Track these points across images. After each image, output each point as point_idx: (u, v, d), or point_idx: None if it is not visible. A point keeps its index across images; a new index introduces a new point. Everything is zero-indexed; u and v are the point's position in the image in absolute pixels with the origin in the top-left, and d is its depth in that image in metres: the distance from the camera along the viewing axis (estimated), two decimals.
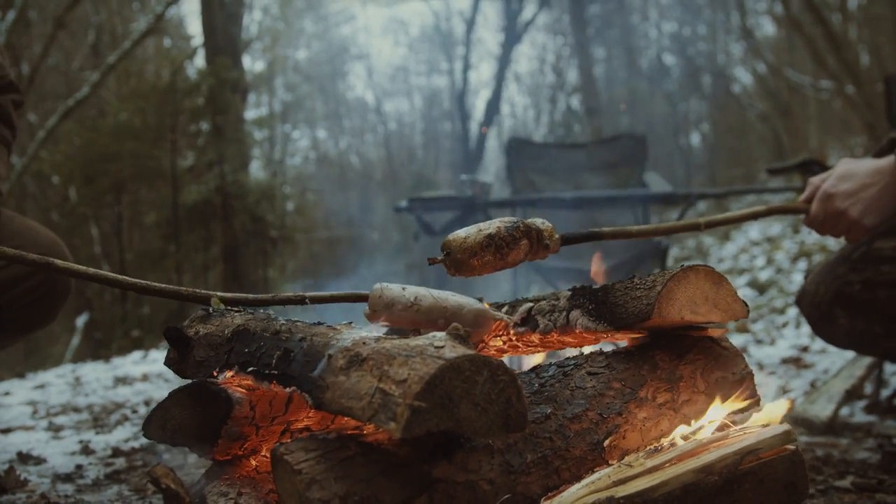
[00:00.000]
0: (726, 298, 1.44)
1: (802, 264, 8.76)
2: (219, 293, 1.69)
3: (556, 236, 1.67)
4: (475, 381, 1.08)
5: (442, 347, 1.11)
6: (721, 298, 1.43)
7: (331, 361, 1.21)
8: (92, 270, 1.71)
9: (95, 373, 6.69)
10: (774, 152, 17.06)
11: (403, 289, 1.56)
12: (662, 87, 23.52)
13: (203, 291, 1.70)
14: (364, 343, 1.20)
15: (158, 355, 8.46)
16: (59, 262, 1.68)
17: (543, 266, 5.02)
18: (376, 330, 1.58)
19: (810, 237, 9.65)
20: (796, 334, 5.98)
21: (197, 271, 14.81)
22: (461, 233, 1.56)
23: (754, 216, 2.13)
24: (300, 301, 1.72)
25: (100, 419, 4.29)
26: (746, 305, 1.46)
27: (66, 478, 2.78)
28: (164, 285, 1.74)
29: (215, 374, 1.45)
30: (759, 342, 5.98)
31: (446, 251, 1.56)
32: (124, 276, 1.72)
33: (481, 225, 1.58)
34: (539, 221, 1.65)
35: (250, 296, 1.74)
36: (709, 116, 22.79)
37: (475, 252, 1.54)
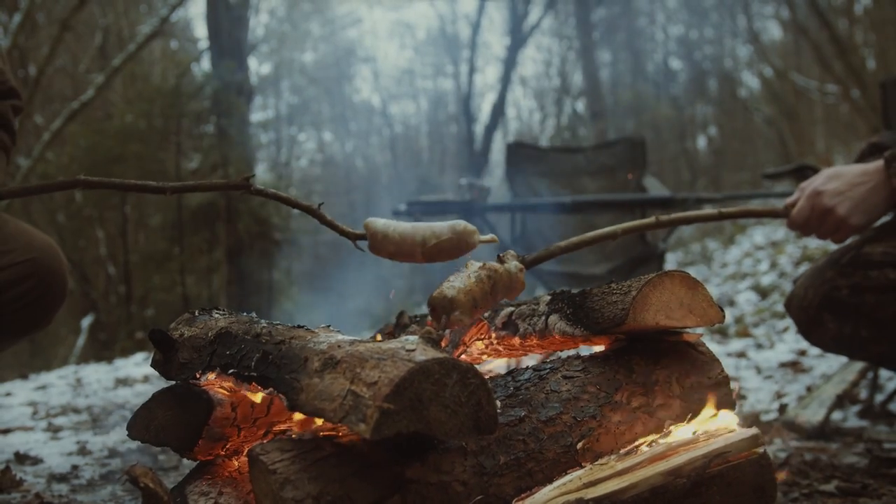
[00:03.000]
0: (702, 304, 1.45)
1: (805, 269, 8.75)
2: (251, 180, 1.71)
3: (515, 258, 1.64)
4: (445, 383, 1.10)
5: (413, 350, 1.13)
6: (696, 304, 1.45)
7: (306, 364, 1.23)
8: (118, 181, 1.73)
9: (97, 374, 6.71)
10: (780, 156, 17.03)
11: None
12: (668, 91, 23.52)
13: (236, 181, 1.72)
14: (339, 346, 1.22)
15: None
16: (87, 177, 1.70)
17: (543, 271, 5.03)
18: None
19: (813, 241, 9.63)
20: (796, 339, 5.97)
21: (201, 273, 14.86)
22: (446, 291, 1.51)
23: (721, 217, 2.12)
24: (313, 213, 1.73)
25: (99, 420, 4.32)
26: (722, 311, 1.48)
27: (62, 478, 2.80)
28: (198, 182, 1.76)
29: (198, 375, 1.47)
30: (759, 346, 5.98)
31: (431, 308, 1.50)
32: (153, 182, 1.73)
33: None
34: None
35: (272, 191, 1.76)
36: (715, 120, 22.77)
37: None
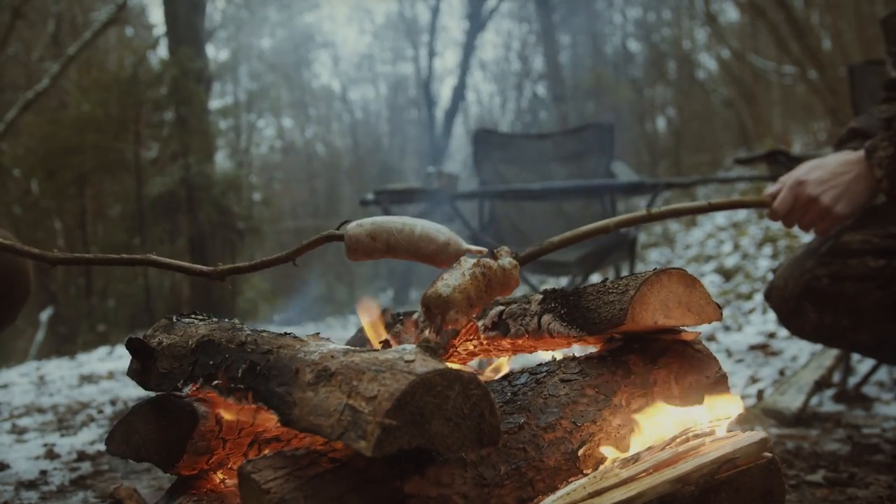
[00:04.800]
0: (699, 301, 1.42)
1: (768, 249, 8.82)
2: (220, 266, 1.61)
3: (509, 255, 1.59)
4: (447, 396, 1.06)
5: (412, 361, 1.08)
6: (694, 301, 1.42)
7: (298, 376, 1.17)
8: (70, 255, 1.62)
9: (60, 370, 6.59)
10: (739, 138, 17.17)
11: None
12: (628, 74, 23.60)
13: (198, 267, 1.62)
14: (332, 357, 1.17)
15: (125, 351, 8.35)
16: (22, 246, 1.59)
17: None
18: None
19: (776, 223, 9.70)
20: (763, 320, 6.02)
21: None
22: (440, 289, 1.45)
23: (711, 209, 2.09)
24: (288, 259, 1.64)
25: (65, 420, 4.22)
26: (720, 308, 1.45)
27: (31, 484, 2.72)
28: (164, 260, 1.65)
29: (179, 386, 1.41)
30: (726, 329, 6.02)
31: (425, 307, 1.46)
32: (107, 255, 1.64)
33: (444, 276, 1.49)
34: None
35: (244, 264, 1.66)
36: (674, 102, 22.86)
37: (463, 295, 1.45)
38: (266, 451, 1.49)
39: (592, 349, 1.55)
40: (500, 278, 1.48)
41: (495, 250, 1.52)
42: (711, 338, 5.50)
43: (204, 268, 1.59)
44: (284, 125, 29.55)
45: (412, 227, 1.55)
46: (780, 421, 3.03)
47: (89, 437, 3.64)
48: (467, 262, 1.45)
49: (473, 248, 1.58)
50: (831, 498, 1.98)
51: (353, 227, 1.56)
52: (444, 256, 1.55)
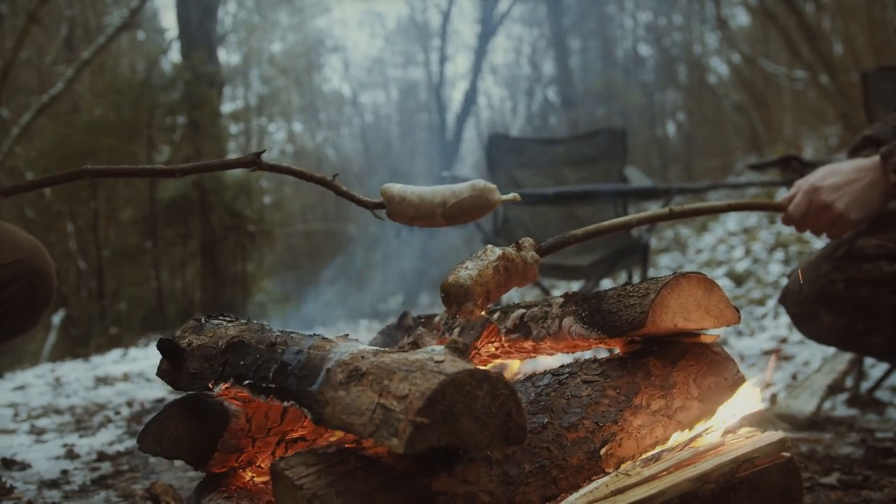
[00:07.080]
0: (718, 305, 1.45)
1: (779, 255, 8.82)
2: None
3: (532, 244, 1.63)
4: (476, 395, 1.09)
5: (442, 362, 1.11)
6: (713, 305, 1.45)
7: (329, 376, 1.21)
8: (126, 167, 1.73)
9: (75, 372, 6.64)
10: (750, 142, 17.15)
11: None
12: (638, 78, 23.58)
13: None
14: (363, 357, 1.20)
15: (138, 353, 8.43)
16: (93, 167, 1.67)
17: None
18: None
19: (787, 228, 9.68)
20: (775, 325, 6.03)
21: (174, 267, 14.74)
22: (461, 275, 1.49)
23: (730, 209, 2.12)
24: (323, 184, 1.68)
25: (83, 421, 4.27)
26: (738, 311, 1.47)
27: (53, 484, 2.76)
28: (207, 161, 1.74)
29: (210, 386, 1.44)
30: (739, 333, 6.03)
31: (444, 293, 1.50)
32: (162, 165, 1.72)
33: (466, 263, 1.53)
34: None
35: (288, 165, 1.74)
36: (684, 107, 22.83)
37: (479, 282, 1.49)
38: (292, 451, 1.52)
39: (608, 350, 1.58)
40: (521, 271, 1.51)
41: (520, 241, 1.54)
42: (724, 342, 5.51)
43: (245, 158, 1.75)
44: (295, 129, 29.64)
45: (439, 188, 1.61)
46: (794, 425, 3.05)
47: (108, 438, 3.68)
48: (493, 254, 1.48)
49: (507, 196, 1.61)
50: (846, 500, 2.00)
51: (387, 186, 1.61)
52: (476, 206, 1.59)
